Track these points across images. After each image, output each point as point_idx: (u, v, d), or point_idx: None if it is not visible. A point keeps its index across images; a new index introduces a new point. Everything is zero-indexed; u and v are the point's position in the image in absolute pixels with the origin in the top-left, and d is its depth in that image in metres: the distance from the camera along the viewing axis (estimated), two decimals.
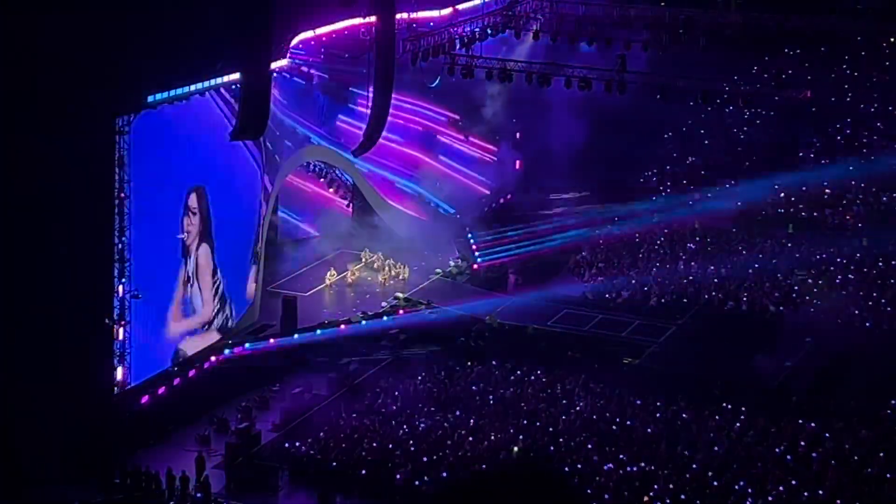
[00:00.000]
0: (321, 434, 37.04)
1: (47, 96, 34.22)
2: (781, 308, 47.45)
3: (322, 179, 54.31)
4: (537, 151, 59.16)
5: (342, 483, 34.98)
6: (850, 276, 49.35)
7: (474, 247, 53.13)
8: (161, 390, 38.56)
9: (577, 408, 38.70)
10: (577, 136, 55.95)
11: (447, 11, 53.17)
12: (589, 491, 33.16)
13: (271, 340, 43.33)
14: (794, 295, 48.19)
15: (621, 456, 35.43)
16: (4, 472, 33.97)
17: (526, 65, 50.71)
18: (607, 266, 51.51)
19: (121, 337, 37.02)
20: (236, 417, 38.49)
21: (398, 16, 49.03)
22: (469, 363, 42.17)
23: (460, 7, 53.89)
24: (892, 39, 54.60)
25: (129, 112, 36.25)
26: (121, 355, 37.14)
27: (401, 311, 47.25)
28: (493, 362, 42.11)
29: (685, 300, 48.34)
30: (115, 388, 37.19)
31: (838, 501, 33.55)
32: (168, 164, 39.43)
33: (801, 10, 52.78)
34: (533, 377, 40.97)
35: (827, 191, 56.88)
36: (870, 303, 47.30)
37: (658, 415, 38.07)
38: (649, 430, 37.14)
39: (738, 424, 37.48)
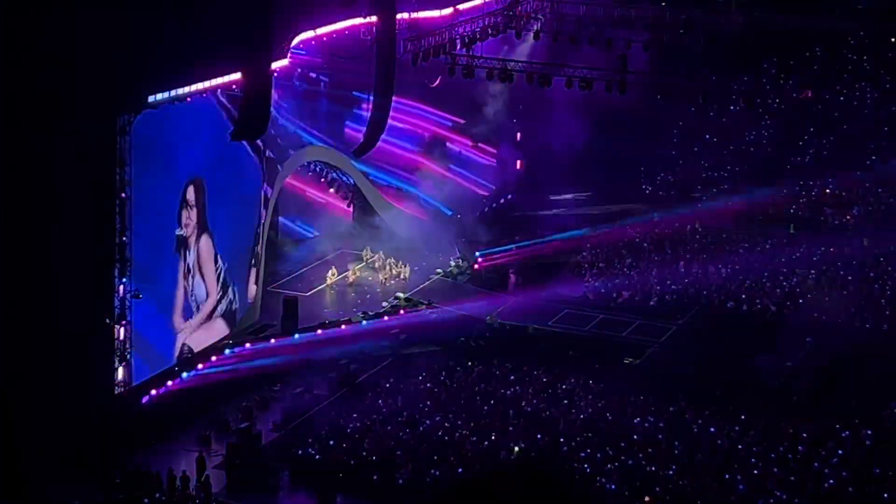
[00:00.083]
0: (322, 434, 37.02)
1: (48, 96, 34.21)
2: (782, 308, 47.43)
3: (322, 180, 54.33)
4: (538, 151, 59.17)
5: (343, 483, 34.97)
6: (850, 276, 49.35)
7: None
8: (162, 390, 38.57)
9: (578, 408, 38.68)
10: (577, 137, 55.94)
11: (448, 11, 53.17)
12: (590, 491, 33.17)
13: (272, 340, 43.32)
14: (794, 295, 48.16)
15: (622, 456, 35.41)
16: (4, 472, 33.95)
17: (526, 65, 50.72)
18: (608, 266, 51.50)
19: (121, 336, 37.02)
20: (237, 417, 38.49)
21: (399, 16, 49.03)
22: (470, 363, 42.17)
23: (461, 7, 53.90)
24: (892, 39, 54.64)
25: (130, 112, 36.24)
26: (121, 355, 37.14)
27: (402, 311, 47.26)
28: (494, 362, 42.09)
29: (686, 300, 48.33)
30: (116, 388, 37.18)
31: (840, 502, 33.54)
32: (168, 164, 39.44)
33: (802, 10, 52.81)
34: (533, 377, 40.95)
35: (827, 191, 56.88)
36: (871, 303, 47.29)
37: (659, 415, 38.05)
38: (650, 430, 37.13)
39: (738, 425, 37.45)
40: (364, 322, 45.98)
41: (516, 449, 35.96)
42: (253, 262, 44.86)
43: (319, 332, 44.59)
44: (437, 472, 34.65)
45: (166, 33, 35.69)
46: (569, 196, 58.87)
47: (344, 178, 54.17)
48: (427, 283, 50.58)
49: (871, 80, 60.11)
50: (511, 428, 37.25)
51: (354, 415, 38.23)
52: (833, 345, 43.57)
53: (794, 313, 46.81)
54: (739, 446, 36.20)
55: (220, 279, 42.59)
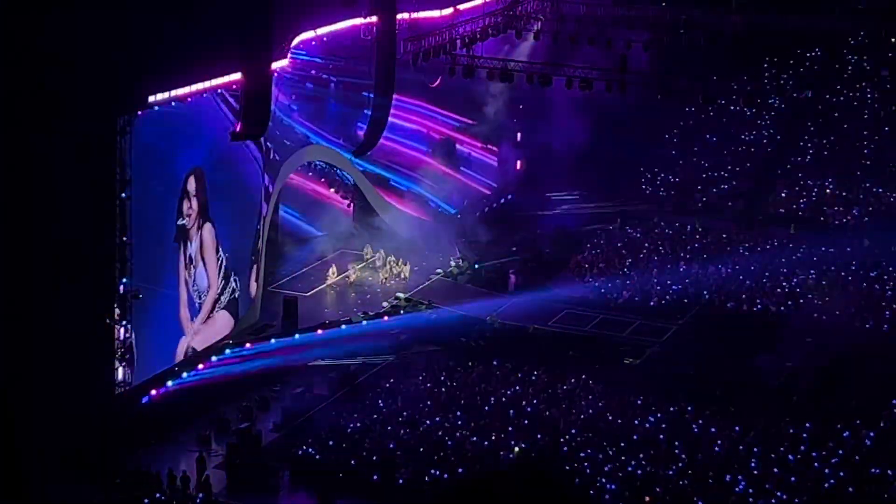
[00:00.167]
0: (322, 434, 37.01)
1: (48, 96, 34.20)
2: (782, 308, 47.43)
3: (323, 179, 54.35)
4: (538, 151, 59.19)
5: (343, 483, 34.95)
6: (850, 276, 49.36)
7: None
8: (162, 390, 38.56)
9: (578, 408, 38.68)
10: (578, 136, 55.96)
11: (448, 12, 53.19)
12: (591, 492, 33.19)
13: (272, 340, 43.31)
14: (795, 295, 48.16)
15: (622, 456, 35.42)
16: (4, 472, 33.94)
17: (527, 65, 50.75)
18: (608, 266, 51.50)
19: (121, 336, 37.02)
20: (237, 417, 38.49)
21: (399, 16, 49.04)
22: (470, 363, 42.15)
23: (461, 7, 53.92)
24: (893, 39, 54.65)
25: (130, 112, 36.23)
26: (121, 355, 37.14)
27: (401, 312, 47.25)
28: (494, 362, 42.09)
29: (686, 300, 48.32)
30: (116, 388, 37.18)
31: (840, 502, 33.54)
32: (169, 164, 39.41)
33: (802, 10, 52.84)
34: (534, 377, 40.95)
35: (828, 191, 56.90)
36: (871, 303, 47.30)
37: (659, 415, 38.04)
38: (650, 430, 37.13)
39: (738, 425, 37.45)
40: (364, 322, 45.97)
41: (516, 449, 35.96)
42: (253, 258, 44.85)
43: (320, 331, 44.58)
44: (437, 472, 34.65)
45: (166, 33, 35.68)
46: (565, 195, 58.89)
47: (344, 178, 54.17)
48: (427, 283, 50.58)
49: (871, 80, 60.15)
50: (511, 428, 37.24)
51: (354, 415, 38.22)
52: (833, 345, 43.60)
53: (795, 313, 46.83)
54: (740, 446, 36.19)
55: (222, 269, 42.58)
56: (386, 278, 50.46)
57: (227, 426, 38.10)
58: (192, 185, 40.52)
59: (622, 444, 36.11)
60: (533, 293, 48.98)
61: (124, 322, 36.97)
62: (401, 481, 34.69)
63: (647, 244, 53.53)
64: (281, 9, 40.80)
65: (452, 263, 52.18)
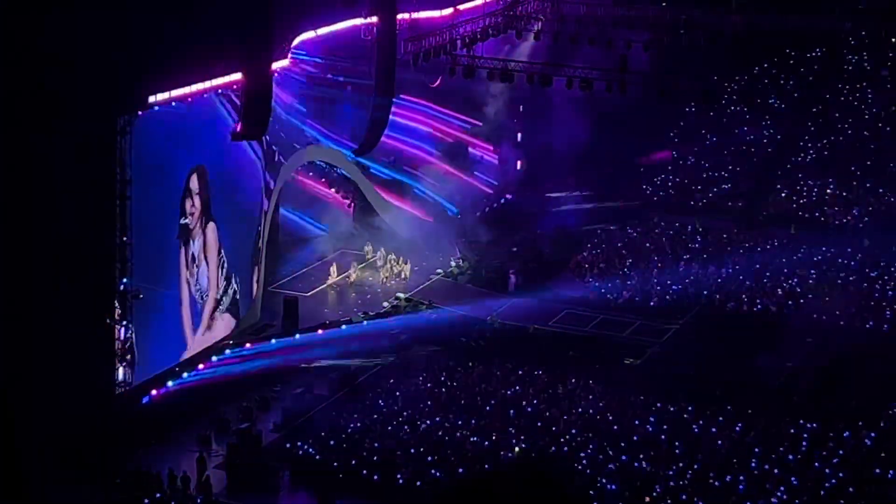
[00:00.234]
0: (322, 434, 37.02)
1: (48, 96, 34.19)
2: (783, 308, 47.42)
3: (323, 179, 54.35)
4: (538, 151, 59.19)
5: (343, 484, 34.96)
6: (850, 276, 49.36)
7: None
8: (162, 390, 38.56)
9: (579, 408, 38.69)
10: (578, 136, 55.95)
11: (448, 12, 53.20)
12: (591, 492, 33.18)
13: (272, 341, 43.31)
14: (795, 295, 48.16)
15: (622, 456, 35.42)
16: (4, 472, 33.94)
17: (527, 65, 50.76)
18: (608, 266, 51.50)
19: (122, 336, 37.01)
20: (237, 418, 38.48)
21: (399, 16, 49.04)
22: (470, 363, 42.15)
23: (461, 7, 53.93)
24: (893, 39, 54.65)
25: (130, 112, 36.23)
26: (122, 355, 37.13)
27: (402, 311, 47.27)
28: (495, 362, 42.08)
29: (686, 300, 48.32)
30: (116, 388, 37.18)
31: (840, 502, 33.54)
32: (170, 165, 39.40)
33: (802, 10, 52.85)
34: (534, 377, 40.95)
35: (829, 191, 56.90)
36: (871, 303, 47.31)
37: (659, 415, 38.05)
38: (650, 430, 37.14)
39: (738, 425, 37.46)
40: (365, 322, 45.97)
41: (517, 449, 35.96)
42: (254, 258, 44.84)
43: (320, 331, 44.58)
44: (437, 473, 34.65)
45: (166, 33, 35.67)
46: (564, 194, 58.88)
47: (345, 179, 54.16)
48: (427, 283, 50.57)
49: (870, 80, 60.14)
50: (511, 428, 37.24)
51: (355, 415, 38.22)
52: (833, 345, 43.62)
53: (795, 313, 46.82)
54: (740, 447, 36.18)
55: (223, 270, 42.58)
56: (387, 277, 50.47)
57: (228, 426, 38.10)
58: (194, 182, 40.51)
59: (622, 444, 36.11)
60: (533, 293, 48.99)
61: (124, 322, 36.97)
62: (401, 481, 34.68)
63: (647, 244, 53.52)
64: (281, 9, 40.80)
65: (453, 263, 52.19)
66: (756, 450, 35.90)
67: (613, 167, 58.57)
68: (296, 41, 45.72)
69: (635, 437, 36.63)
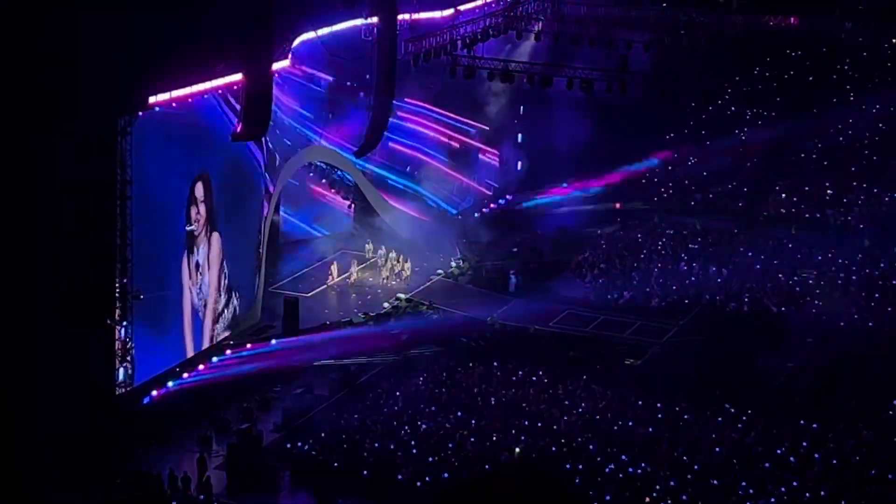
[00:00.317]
0: (322, 435, 37.01)
1: (48, 97, 34.18)
2: (783, 309, 47.42)
3: (324, 180, 54.33)
4: (539, 151, 59.20)
5: (343, 484, 34.94)
6: (852, 276, 49.37)
7: None
8: (163, 391, 38.56)
9: (579, 409, 38.68)
10: (578, 136, 55.98)
11: (449, 12, 53.21)
12: (591, 492, 33.17)
13: (273, 341, 43.31)
14: (795, 295, 48.15)
15: (623, 457, 35.40)
16: (4, 472, 33.94)
17: (528, 65, 50.79)
18: (609, 267, 51.49)
19: (122, 337, 37.00)
20: (238, 418, 38.48)
21: (400, 17, 49.05)
22: (471, 364, 42.13)
23: (462, 8, 53.95)
24: (893, 39, 54.69)
25: (131, 112, 36.22)
26: (122, 356, 37.13)
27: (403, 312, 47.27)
28: (495, 363, 42.07)
29: (687, 301, 48.31)
30: (117, 389, 37.18)
31: (841, 502, 33.53)
32: (170, 165, 39.39)
33: (802, 10, 52.92)
34: (534, 378, 40.93)
35: (829, 191, 56.90)
36: (871, 304, 47.31)
37: (659, 416, 38.05)
38: (651, 431, 37.13)
39: (739, 425, 37.45)
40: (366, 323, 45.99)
41: (517, 450, 35.95)
42: (256, 264, 44.85)
43: (320, 332, 44.57)
44: (438, 473, 34.64)
45: (166, 33, 35.67)
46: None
47: (345, 179, 54.16)
48: (428, 283, 50.57)
49: (870, 81, 60.14)
50: (512, 429, 37.23)
51: (355, 415, 38.22)
52: (834, 345, 43.61)
53: (795, 313, 46.82)
54: (740, 447, 36.17)
55: (225, 282, 42.60)
56: (387, 276, 50.46)
57: (228, 427, 38.08)
58: (199, 191, 40.55)
59: (623, 445, 36.09)
60: (533, 294, 48.98)
61: (125, 322, 36.96)
62: (401, 482, 34.67)
63: (647, 244, 53.52)
64: (282, 9, 40.80)
65: (453, 264, 52.19)
66: (756, 450, 35.87)
67: (613, 167, 58.56)
68: (296, 41, 45.73)
69: (635, 438, 36.61)
